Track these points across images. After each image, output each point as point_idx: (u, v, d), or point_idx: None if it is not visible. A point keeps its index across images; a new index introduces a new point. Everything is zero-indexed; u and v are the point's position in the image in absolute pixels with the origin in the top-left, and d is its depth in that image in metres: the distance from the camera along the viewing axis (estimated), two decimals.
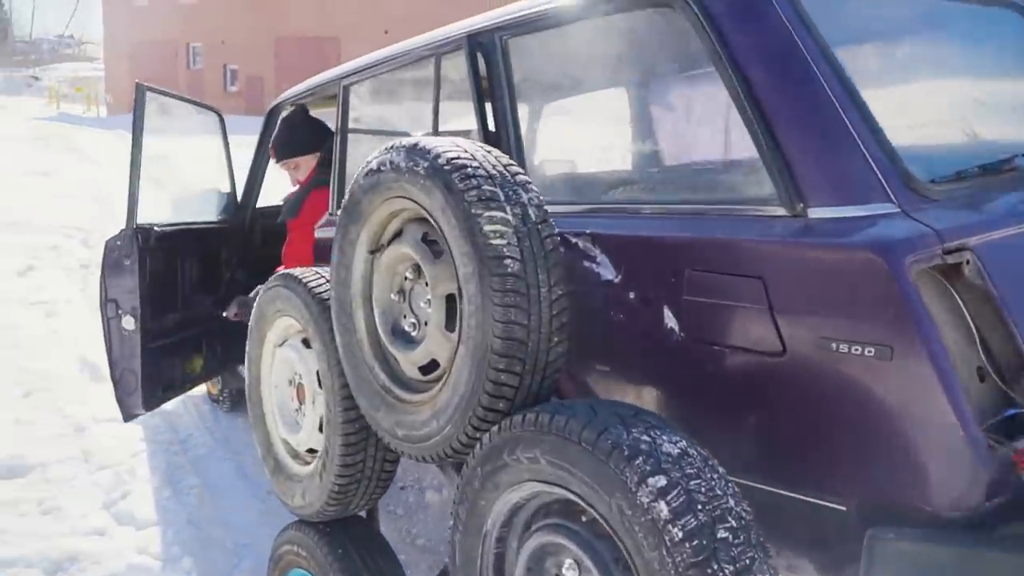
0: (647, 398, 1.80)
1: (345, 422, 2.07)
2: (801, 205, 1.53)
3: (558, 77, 2.43)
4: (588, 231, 1.88)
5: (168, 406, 4.32)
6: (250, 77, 29.06)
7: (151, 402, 3.28)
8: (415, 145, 1.71)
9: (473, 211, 1.57)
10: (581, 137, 2.33)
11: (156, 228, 3.20)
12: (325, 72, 3.35)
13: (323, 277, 2.23)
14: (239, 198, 4.01)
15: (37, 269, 6.65)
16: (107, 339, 3.28)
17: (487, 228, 1.56)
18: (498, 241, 1.55)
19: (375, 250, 1.92)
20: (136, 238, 3.12)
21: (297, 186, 3.55)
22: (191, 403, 4.56)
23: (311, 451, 2.36)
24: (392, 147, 1.78)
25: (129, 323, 3.18)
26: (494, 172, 1.63)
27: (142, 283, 3.13)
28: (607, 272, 1.85)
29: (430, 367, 1.82)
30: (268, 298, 2.39)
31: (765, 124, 1.60)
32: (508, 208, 1.58)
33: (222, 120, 4.01)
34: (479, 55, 2.25)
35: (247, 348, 2.56)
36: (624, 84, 2.14)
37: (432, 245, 1.77)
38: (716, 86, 1.69)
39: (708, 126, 1.96)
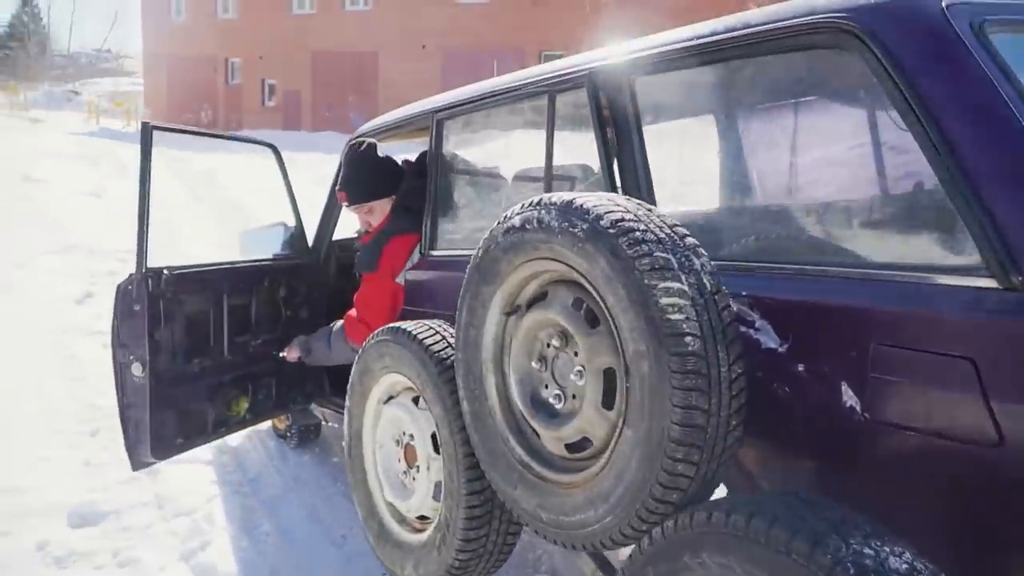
0: (819, 487, 1.62)
1: (470, 494, 1.92)
2: (1020, 279, 1.35)
3: (699, 120, 2.27)
4: (744, 293, 1.71)
5: (234, 441, 4.24)
6: (287, 92, 29.13)
7: (164, 451, 3.13)
8: (570, 203, 1.56)
9: (646, 281, 1.41)
10: (727, 186, 2.16)
11: (167, 271, 3.06)
12: (413, 105, 3.22)
13: (439, 333, 2.08)
14: (303, 230, 3.88)
15: (96, 296, 6.58)
16: (117, 385, 3.15)
17: (663, 301, 1.40)
18: (676, 316, 1.39)
19: (511, 312, 1.77)
20: (146, 283, 2.97)
21: (367, 230, 3.39)
22: (257, 438, 4.43)
23: (423, 518, 2.21)
24: (540, 204, 1.62)
25: (137, 369, 3.05)
26: (663, 236, 1.47)
27: (153, 328, 3.00)
28: (769, 340, 1.68)
29: (578, 444, 1.66)
30: (375, 352, 2.25)
31: (968, 183, 1.42)
32: (683, 277, 1.42)
33: (278, 154, 3.88)
34: (603, 94, 2.09)
35: (347, 403, 2.42)
36: (778, 130, 1.97)
37: (583, 310, 1.61)
38: (899, 136, 1.52)
39: (886, 179, 1.78)
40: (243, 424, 3.62)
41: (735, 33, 1.75)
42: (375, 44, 26.39)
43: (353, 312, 3.16)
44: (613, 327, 1.49)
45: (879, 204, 1.78)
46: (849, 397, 1.55)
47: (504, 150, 2.99)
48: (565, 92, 2.26)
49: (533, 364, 1.74)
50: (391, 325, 2.26)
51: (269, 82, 29.74)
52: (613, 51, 2.16)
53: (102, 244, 8.17)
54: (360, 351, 2.39)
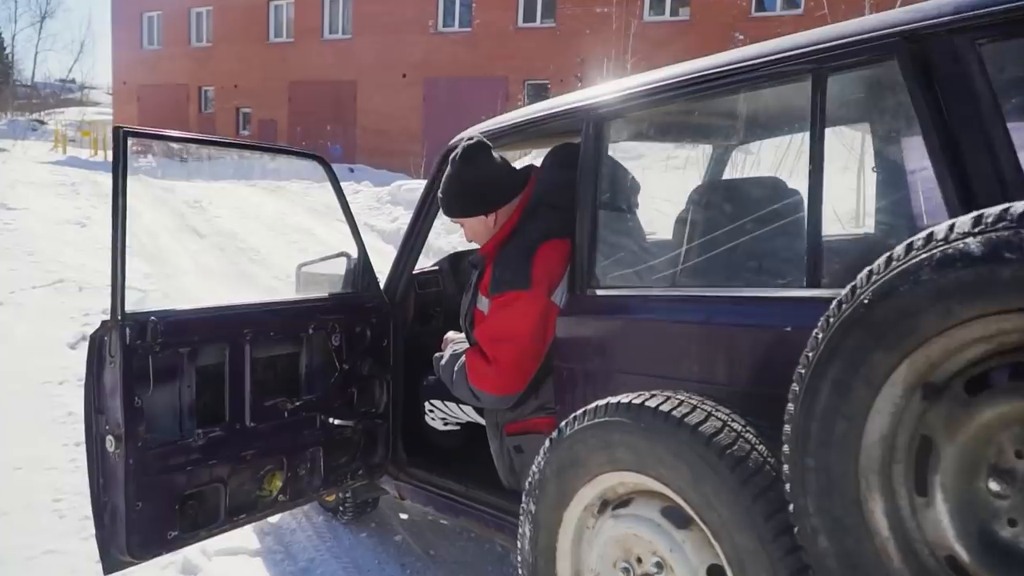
0: None
1: None
2: None
3: None
4: None
5: (273, 518, 3.49)
6: (263, 121, 28.45)
7: (147, 548, 2.38)
8: None
9: None
10: None
11: (154, 318, 2.34)
12: (548, 102, 2.53)
13: (719, 418, 1.37)
14: (368, 261, 3.11)
15: None
16: (90, 461, 2.42)
17: None
18: None
19: (929, 394, 1.07)
20: (122, 333, 2.27)
21: (473, 240, 2.68)
22: (301, 512, 3.73)
23: None
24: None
25: (110, 443, 2.33)
26: None
27: (133, 391, 2.29)
28: None
29: None
30: (595, 439, 1.55)
31: None
32: None
33: (327, 166, 3.10)
34: (936, 64, 1.47)
35: (528, 505, 1.70)
36: None
37: None
38: None
39: None
40: (275, 508, 2.84)
41: None
42: (354, 73, 25.85)
43: (477, 350, 2.46)
44: None
45: None
46: None
47: (731, 147, 2.32)
48: (849, 69, 1.62)
49: (990, 486, 1.03)
50: (624, 402, 1.55)
51: (244, 111, 29.07)
52: (937, 6, 1.55)
53: (92, 279, 7.39)
54: (558, 436, 1.67)
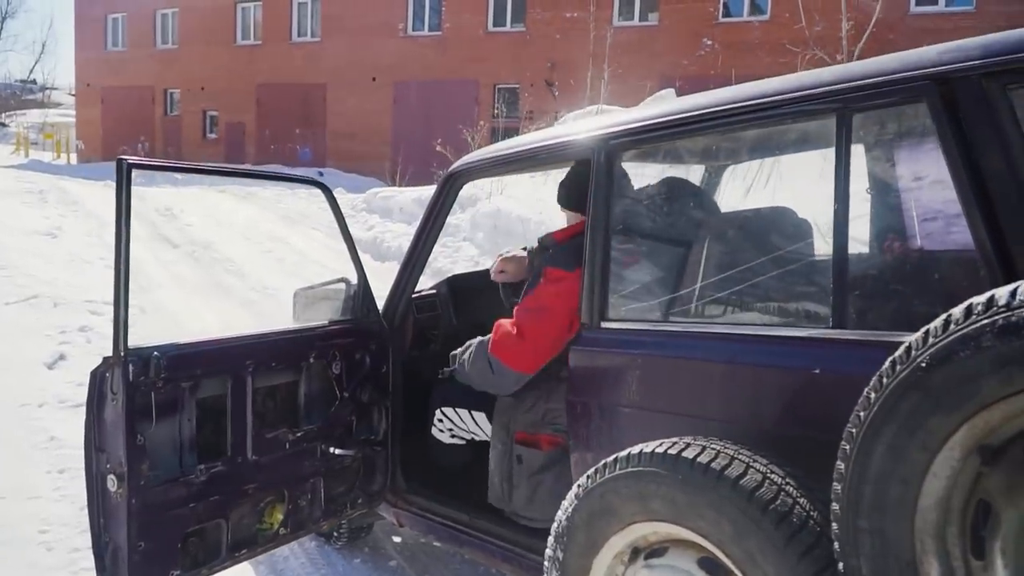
0: None
1: None
2: None
3: None
4: None
5: None
6: (230, 124, 28.11)
7: None
8: None
9: None
10: None
11: (158, 353, 2.29)
12: (553, 131, 2.52)
13: (759, 471, 1.36)
14: (368, 287, 3.06)
15: (70, 359, 5.65)
16: (90, 500, 2.36)
17: None
18: None
19: (987, 457, 1.06)
20: (125, 369, 2.23)
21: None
22: None
23: None
24: None
25: (112, 483, 2.28)
26: None
27: (136, 430, 2.24)
28: None
29: None
30: (629, 489, 1.53)
31: None
32: None
33: (330, 194, 3.03)
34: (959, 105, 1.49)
35: (555, 552, 1.67)
36: None
37: None
38: None
39: None
40: (276, 541, 2.79)
41: None
42: (323, 76, 25.65)
43: (507, 322, 2.48)
44: None
45: None
46: None
47: (749, 187, 2.31)
48: (874, 109, 1.62)
49: None
50: (659, 451, 1.52)
51: (211, 113, 28.70)
52: (967, 49, 1.56)
53: (67, 294, 7.17)
54: (593, 484, 1.64)
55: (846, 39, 10.26)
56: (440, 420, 2.98)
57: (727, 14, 19.74)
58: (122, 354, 2.20)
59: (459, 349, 2.76)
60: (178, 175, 17.31)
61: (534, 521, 2.48)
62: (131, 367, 2.21)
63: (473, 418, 2.85)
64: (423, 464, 3.10)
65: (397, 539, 3.65)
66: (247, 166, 23.17)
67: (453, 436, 2.97)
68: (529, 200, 9.55)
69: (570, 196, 2.64)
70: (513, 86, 21.96)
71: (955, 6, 16.80)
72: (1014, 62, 1.44)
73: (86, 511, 2.49)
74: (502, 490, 2.60)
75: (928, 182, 1.79)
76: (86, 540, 3.25)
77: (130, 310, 2.19)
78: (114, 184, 2.20)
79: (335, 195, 2.98)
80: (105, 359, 2.24)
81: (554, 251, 2.51)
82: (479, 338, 2.66)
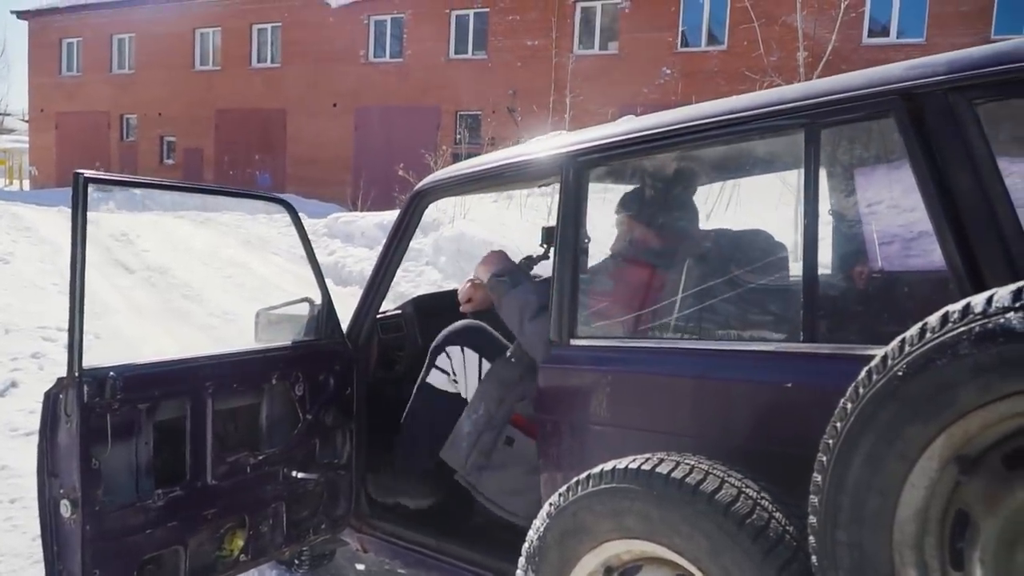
0: None
1: None
2: None
3: None
4: None
5: None
6: (188, 150, 27.81)
7: None
8: None
9: None
10: None
11: (114, 373, 2.23)
12: (518, 148, 2.51)
13: (733, 485, 1.34)
14: (332, 306, 3.01)
15: (22, 386, 5.48)
16: (43, 526, 2.28)
17: None
18: None
19: (964, 467, 1.06)
20: (80, 390, 2.16)
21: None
22: None
23: None
24: None
25: (66, 508, 2.21)
26: None
27: (91, 453, 2.17)
28: None
29: None
30: (602, 506, 1.49)
31: None
32: None
33: (293, 212, 2.98)
34: (932, 124, 1.51)
35: (527, 571, 1.64)
36: None
37: None
38: None
39: None
40: (236, 568, 2.70)
41: None
42: (283, 101, 25.55)
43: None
44: None
45: None
46: None
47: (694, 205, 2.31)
48: (842, 124, 1.64)
49: None
50: (633, 467, 1.51)
51: (168, 139, 28.39)
52: (933, 65, 1.58)
53: (19, 320, 6.97)
54: (566, 502, 1.62)
55: (803, 67, 10.48)
56: (445, 359, 2.82)
57: (685, 44, 20.03)
58: (76, 374, 2.13)
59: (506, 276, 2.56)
60: (135, 198, 17.15)
61: (501, 510, 2.41)
62: (86, 388, 2.14)
63: (480, 367, 2.70)
64: (388, 488, 3.04)
65: (360, 566, 3.58)
66: (215, 185, 22.90)
67: (448, 381, 2.82)
68: (492, 224, 9.55)
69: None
70: (475, 112, 22.03)
71: (906, 37, 17.22)
72: (979, 76, 1.47)
73: (39, 541, 2.41)
74: (467, 457, 2.50)
75: (896, 197, 1.81)
76: (39, 571, 3.15)
77: (84, 336, 2.11)
78: (69, 210, 2.13)
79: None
80: (59, 380, 2.17)
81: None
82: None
